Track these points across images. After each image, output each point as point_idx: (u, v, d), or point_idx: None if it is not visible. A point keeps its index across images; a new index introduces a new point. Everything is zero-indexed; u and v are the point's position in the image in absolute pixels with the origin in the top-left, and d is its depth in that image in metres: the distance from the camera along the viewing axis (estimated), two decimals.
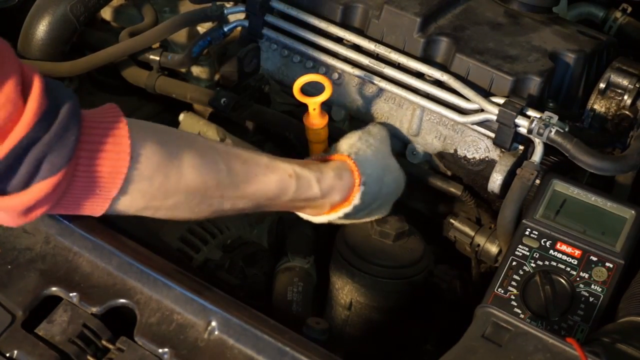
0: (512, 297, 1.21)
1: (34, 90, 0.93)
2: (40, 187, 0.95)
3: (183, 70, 1.69)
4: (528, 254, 1.25)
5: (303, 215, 1.35)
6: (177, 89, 1.63)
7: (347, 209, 1.31)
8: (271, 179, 1.20)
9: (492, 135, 1.38)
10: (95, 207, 1.04)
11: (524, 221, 1.28)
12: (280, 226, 1.66)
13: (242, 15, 1.58)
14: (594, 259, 1.24)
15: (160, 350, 1.10)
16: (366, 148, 1.35)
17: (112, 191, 1.02)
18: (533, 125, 1.31)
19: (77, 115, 0.97)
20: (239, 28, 1.59)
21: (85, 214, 1.06)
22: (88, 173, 0.99)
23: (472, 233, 1.45)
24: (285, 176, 1.22)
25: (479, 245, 1.44)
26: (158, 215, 1.12)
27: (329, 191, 1.28)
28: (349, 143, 1.36)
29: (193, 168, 1.10)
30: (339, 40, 1.50)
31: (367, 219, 1.41)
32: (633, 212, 1.27)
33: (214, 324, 1.11)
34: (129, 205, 1.06)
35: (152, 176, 1.05)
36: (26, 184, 0.95)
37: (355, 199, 1.30)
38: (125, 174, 1.01)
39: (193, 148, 1.11)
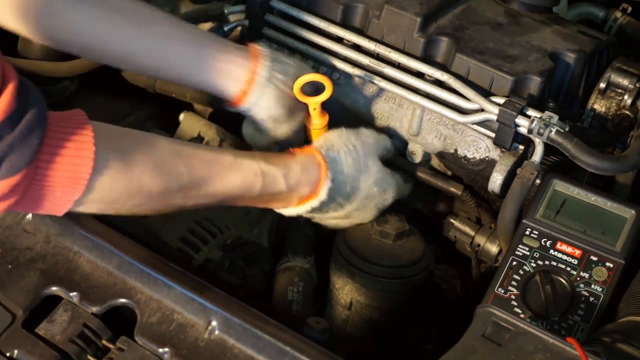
0: (513, 296, 1.21)
1: (7, 89, 0.93)
2: None
3: None
4: (528, 253, 1.25)
5: (273, 208, 1.35)
6: (177, 89, 1.63)
7: (313, 202, 1.31)
8: (235, 178, 1.21)
9: (493, 135, 1.38)
10: (56, 208, 1.04)
11: (524, 221, 1.28)
12: (281, 226, 1.66)
13: (242, 15, 1.58)
14: (594, 258, 1.24)
15: (160, 350, 1.10)
16: (342, 145, 1.35)
17: (74, 195, 1.03)
18: (533, 125, 1.31)
19: (43, 119, 0.97)
20: (239, 28, 1.59)
21: (45, 213, 1.06)
22: (48, 177, 0.99)
23: (472, 233, 1.45)
24: (251, 174, 1.22)
25: (479, 245, 1.44)
26: (121, 213, 1.13)
27: (296, 185, 1.28)
28: (326, 137, 1.36)
29: (153, 173, 1.10)
30: (339, 40, 1.50)
31: (347, 221, 1.40)
32: (633, 212, 1.27)
33: (214, 323, 1.11)
34: (91, 207, 1.07)
35: (113, 182, 1.06)
36: None
37: (322, 194, 1.30)
38: (87, 180, 1.02)
39: (154, 153, 1.12)
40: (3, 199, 0.97)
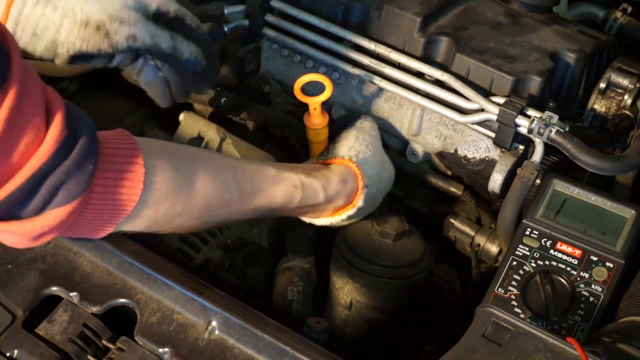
0: (513, 296, 1.21)
1: (56, 116, 0.92)
2: (55, 215, 0.94)
3: None
4: (528, 253, 1.25)
5: (305, 218, 1.35)
6: None
7: (350, 211, 1.32)
8: (277, 192, 1.21)
9: (493, 135, 1.38)
10: (100, 232, 1.04)
11: (524, 221, 1.28)
12: (281, 226, 1.66)
13: (242, 15, 1.58)
14: (594, 258, 1.24)
15: (160, 350, 1.10)
16: (365, 149, 1.36)
17: (120, 218, 1.02)
18: (533, 125, 1.31)
19: (95, 144, 0.96)
20: (239, 28, 1.59)
21: (87, 237, 1.06)
22: (102, 202, 0.99)
23: (472, 233, 1.46)
24: (291, 187, 1.22)
25: (479, 245, 1.44)
26: (162, 232, 1.13)
27: (333, 197, 1.29)
28: (347, 145, 1.36)
29: (203, 192, 1.10)
30: (339, 39, 1.50)
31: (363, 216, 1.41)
32: (633, 212, 1.27)
33: (214, 323, 1.11)
34: (130, 228, 1.07)
35: (160, 203, 1.05)
36: (41, 210, 0.94)
37: (359, 202, 1.31)
38: (136, 202, 1.01)
39: (205, 170, 1.11)
40: (57, 227, 0.96)
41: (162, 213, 1.07)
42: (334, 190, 1.28)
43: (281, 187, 1.21)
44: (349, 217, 1.34)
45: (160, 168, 1.04)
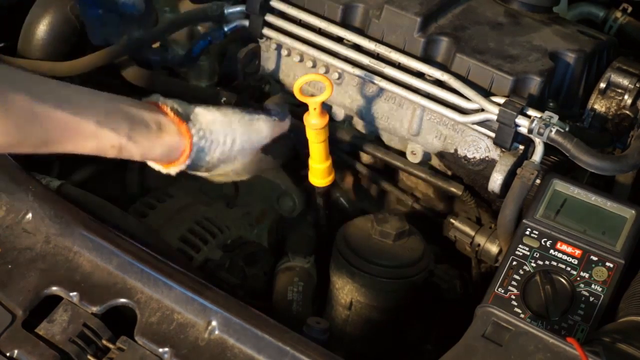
0: (513, 296, 1.21)
1: None
2: None
3: (183, 69, 1.69)
4: (528, 253, 1.25)
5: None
6: (177, 88, 1.63)
7: (180, 167, 1.27)
8: (87, 146, 1.17)
9: (493, 135, 1.38)
10: None
11: (524, 221, 1.28)
12: (281, 226, 1.66)
13: (242, 15, 1.58)
14: (594, 258, 1.24)
15: (160, 350, 1.10)
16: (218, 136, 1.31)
17: None
18: (533, 125, 1.31)
19: None
20: (239, 28, 1.59)
21: None
22: None
23: (472, 233, 1.46)
24: (107, 146, 1.18)
25: (479, 245, 1.44)
26: None
27: (154, 159, 1.25)
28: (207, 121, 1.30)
29: (4, 135, 1.08)
30: (339, 40, 1.50)
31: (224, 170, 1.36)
32: (633, 212, 1.27)
33: (214, 323, 1.11)
34: None
35: None
36: None
37: (188, 161, 1.26)
38: None
39: (9, 113, 1.08)
40: None
41: None
42: (152, 156, 1.25)
43: (95, 143, 1.17)
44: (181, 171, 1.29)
45: None
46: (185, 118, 1.27)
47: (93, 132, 1.16)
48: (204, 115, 1.29)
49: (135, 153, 1.21)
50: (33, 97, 1.11)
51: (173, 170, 1.28)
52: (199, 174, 1.33)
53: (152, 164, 1.29)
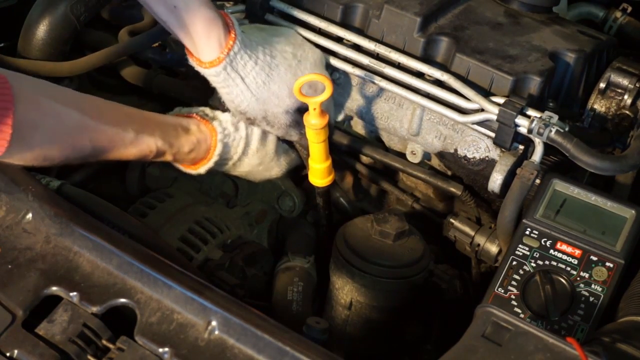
0: (512, 296, 1.21)
1: None
2: None
3: (182, 69, 1.69)
4: (528, 253, 1.25)
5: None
6: (175, 88, 1.63)
7: (208, 165, 1.44)
8: (130, 153, 1.32)
9: (492, 134, 1.38)
10: None
11: (524, 221, 1.28)
12: (281, 226, 1.66)
13: (242, 15, 1.58)
14: (594, 258, 1.24)
15: (160, 350, 1.10)
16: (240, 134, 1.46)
17: None
18: (533, 125, 1.31)
19: None
20: None
21: None
22: None
23: (472, 233, 1.45)
24: (146, 151, 1.34)
25: (479, 245, 1.44)
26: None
27: (181, 160, 1.41)
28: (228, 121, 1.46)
29: (55, 149, 1.21)
30: (339, 40, 1.50)
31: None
32: (633, 211, 1.27)
33: (214, 323, 1.11)
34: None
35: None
36: None
37: (214, 158, 1.43)
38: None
39: (59, 128, 1.20)
40: None
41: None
42: (183, 155, 1.40)
43: (136, 149, 1.32)
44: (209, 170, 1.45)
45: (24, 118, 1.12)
46: (211, 119, 1.44)
47: (133, 140, 1.31)
48: (227, 116, 1.45)
49: (168, 154, 1.38)
50: (82, 112, 1.24)
51: (202, 168, 1.44)
52: (229, 169, 1.48)
53: (183, 167, 1.45)
